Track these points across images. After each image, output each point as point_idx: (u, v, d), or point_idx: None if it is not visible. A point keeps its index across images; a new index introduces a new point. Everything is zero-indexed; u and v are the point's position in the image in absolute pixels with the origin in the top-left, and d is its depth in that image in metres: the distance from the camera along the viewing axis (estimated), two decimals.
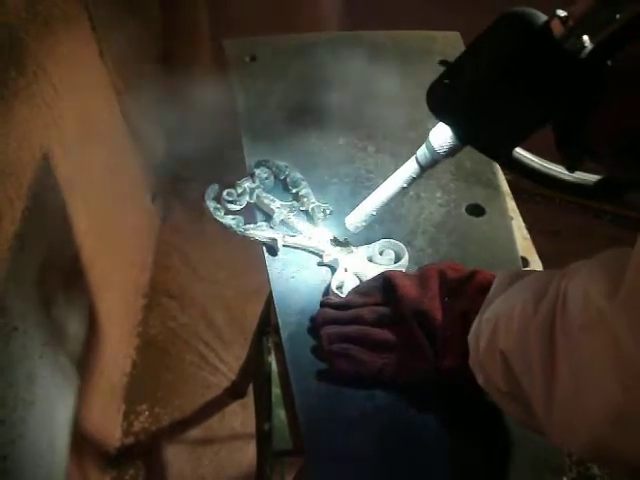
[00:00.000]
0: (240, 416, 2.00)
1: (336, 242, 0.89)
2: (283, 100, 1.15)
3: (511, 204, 1.02)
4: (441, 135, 0.72)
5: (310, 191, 0.93)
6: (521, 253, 0.93)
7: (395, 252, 0.87)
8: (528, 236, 1.00)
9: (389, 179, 0.82)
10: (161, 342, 2.18)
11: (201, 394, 2.05)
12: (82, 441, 1.57)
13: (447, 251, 0.91)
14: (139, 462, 1.88)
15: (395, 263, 0.86)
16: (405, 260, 0.86)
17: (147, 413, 1.99)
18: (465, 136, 0.71)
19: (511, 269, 0.74)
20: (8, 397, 1.14)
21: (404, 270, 0.85)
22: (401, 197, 0.98)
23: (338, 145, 1.07)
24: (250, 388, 1.88)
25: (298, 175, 0.95)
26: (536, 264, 0.95)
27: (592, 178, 0.64)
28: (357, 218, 0.87)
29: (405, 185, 0.81)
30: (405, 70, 1.19)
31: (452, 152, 0.73)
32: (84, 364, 1.60)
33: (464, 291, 0.72)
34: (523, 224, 1.02)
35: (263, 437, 1.31)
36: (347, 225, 0.88)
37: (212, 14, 2.05)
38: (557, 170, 0.65)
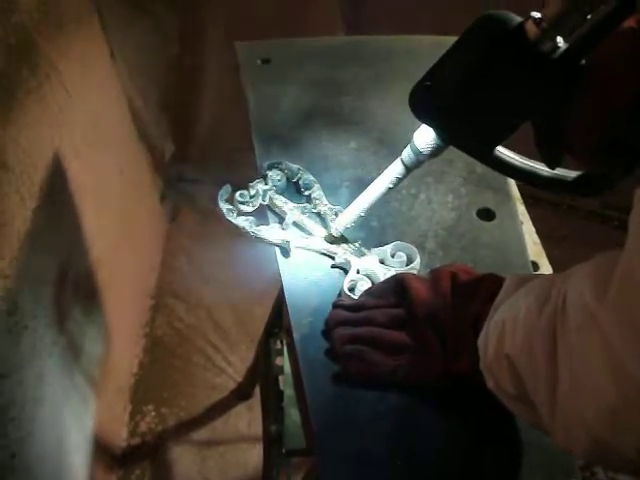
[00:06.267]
0: (246, 418, 2.00)
1: (331, 237, 0.90)
2: (295, 103, 1.15)
3: (521, 209, 1.03)
4: (425, 136, 0.74)
5: (322, 193, 0.94)
6: (531, 257, 0.93)
7: (407, 255, 0.87)
8: (538, 240, 1.00)
9: (376, 181, 0.84)
10: (168, 343, 2.19)
11: (207, 395, 2.05)
12: (89, 440, 1.58)
13: (458, 255, 0.91)
14: (145, 462, 1.88)
15: (407, 266, 0.86)
16: (417, 263, 0.86)
17: (153, 413, 2.00)
18: (447, 137, 0.73)
19: (521, 273, 0.74)
20: (17, 395, 1.15)
21: (416, 273, 0.85)
22: (413, 200, 0.99)
23: (350, 148, 1.07)
24: (256, 390, 1.88)
25: (310, 177, 0.96)
26: (546, 268, 0.95)
27: (572, 174, 0.66)
28: (346, 220, 0.88)
29: (391, 186, 0.83)
30: (416, 75, 1.19)
31: (436, 152, 0.75)
32: (91, 364, 1.61)
33: (475, 294, 0.72)
34: (533, 229, 1.02)
35: (270, 439, 1.31)
36: (336, 226, 0.89)
37: (225, 15, 2.06)
38: (538, 167, 0.67)
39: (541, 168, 0.67)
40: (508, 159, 0.68)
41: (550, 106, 0.62)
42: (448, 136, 0.72)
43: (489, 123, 0.67)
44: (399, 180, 0.81)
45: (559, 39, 0.59)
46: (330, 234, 0.90)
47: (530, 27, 0.59)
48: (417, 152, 0.76)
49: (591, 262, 0.53)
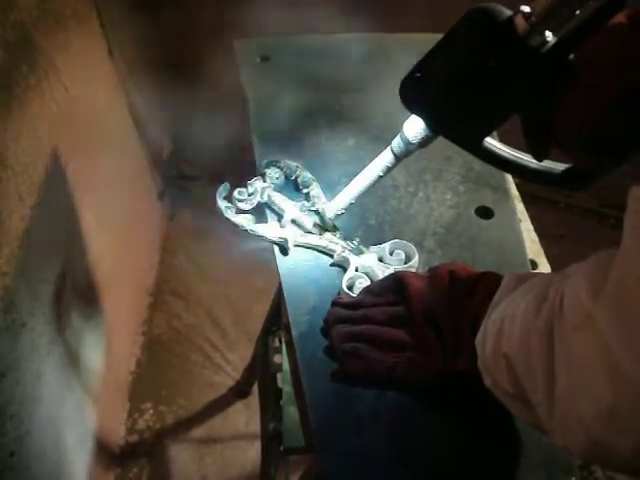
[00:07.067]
0: (244, 416, 2.00)
1: (318, 227, 0.90)
2: (293, 101, 1.15)
3: (520, 207, 1.02)
4: (414, 126, 0.75)
5: (321, 191, 0.94)
6: (530, 256, 0.93)
7: (405, 253, 0.87)
8: (537, 239, 1.00)
9: (366, 169, 0.85)
10: (166, 341, 2.19)
11: (205, 393, 2.05)
12: (87, 438, 1.58)
13: (456, 253, 0.91)
14: (143, 460, 1.89)
15: (405, 264, 0.86)
16: (415, 261, 0.86)
17: (151, 411, 2.00)
18: (436, 127, 0.74)
19: (520, 272, 0.74)
20: (16, 393, 1.15)
21: (414, 271, 0.86)
22: (411, 198, 0.99)
23: (348, 146, 1.07)
24: (254, 388, 1.88)
25: (309, 175, 0.96)
26: (545, 267, 0.95)
27: (559, 167, 0.67)
28: (336, 206, 0.89)
29: (381, 174, 0.84)
30: None
31: (425, 143, 0.76)
32: (89, 362, 1.61)
33: (474, 292, 0.72)
34: (531, 227, 1.02)
35: (268, 436, 1.31)
36: (326, 213, 0.90)
37: (224, 12, 2.05)
38: (526, 159, 0.68)
39: (529, 160, 0.67)
40: (497, 150, 0.69)
41: (538, 100, 0.62)
42: (437, 126, 0.73)
43: (478, 115, 0.68)
44: (389, 169, 0.83)
45: (548, 34, 0.59)
46: (316, 223, 0.91)
47: (519, 21, 0.59)
48: (407, 142, 0.77)
49: (587, 261, 0.52)
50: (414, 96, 0.72)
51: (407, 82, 0.71)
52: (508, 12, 0.61)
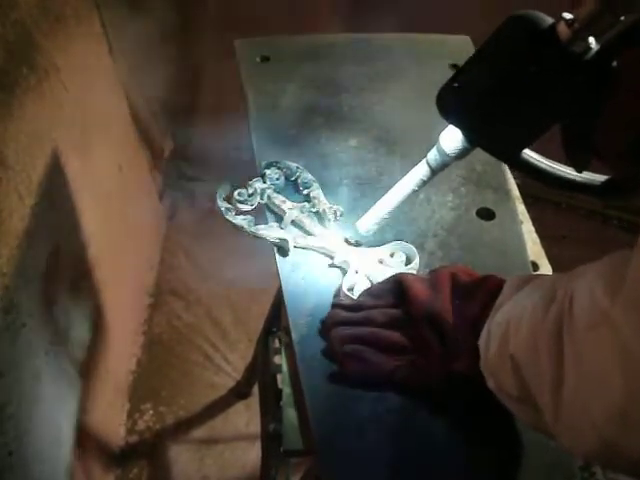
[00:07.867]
0: (244, 416, 2.00)
1: (348, 242, 0.89)
2: (294, 101, 1.15)
3: (521, 208, 1.02)
4: (451, 138, 0.73)
5: (321, 192, 0.93)
6: (531, 258, 0.93)
7: (406, 255, 0.87)
8: (538, 241, 0.99)
9: (400, 182, 0.83)
10: (166, 341, 2.19)
11: (205, 394, 2.05)
12: (86, 439, 1.57)
13: (457, 255, 0.91)
14: (143, 461, 1.88)
15: (406, 266, 0.86)
16: (416, 263, 0.86)
17: (151, 412, 2.00)
18: (475, 139, 0.72)
19: (521, 273, 0.74)
20: (14, 393, 1.14)
21: (415, 273, 0.85)
22: (412, 200, 0.98)
23: (349, 147, 1.07)
24: (255, 388, 1.88)
25: (309, 176, 0.95)
26: (546, 268, 0.94)
27: (599, 178, 0.65)
28: (369, 221, 0.87)
29: (416, 188, 0.81)
30: (416, 73, 1.19)
31: (462, 155, 0.74)
32: (89, 362, 1.61)
33: (476, 295, 0.72)
34: (533, 228, 1.02)
35: (269, 438, 1.31)
36: (359, 229, 0.88)
37: (224, 12, 2.05)
38: (565, 171, 0.67)
39: (568, 172, 0.66)
40: (535, 162, 0.67)
41: (582, 108, 0.61)
42: (476, 137, 0.71)
43: (518, 125, 0.67)
44: (424, 182, 0.80)
45: (591, 40, 0.58)
46: (347, 238, 0.90)
47: (562, 28, 0.58)
48: (443, 154, 0.74)
49: (601, 262, 0.52)
50: (452, 106, 0.70)
51: (444, 92, 0.70)
52: (549, 19, 0.60)
